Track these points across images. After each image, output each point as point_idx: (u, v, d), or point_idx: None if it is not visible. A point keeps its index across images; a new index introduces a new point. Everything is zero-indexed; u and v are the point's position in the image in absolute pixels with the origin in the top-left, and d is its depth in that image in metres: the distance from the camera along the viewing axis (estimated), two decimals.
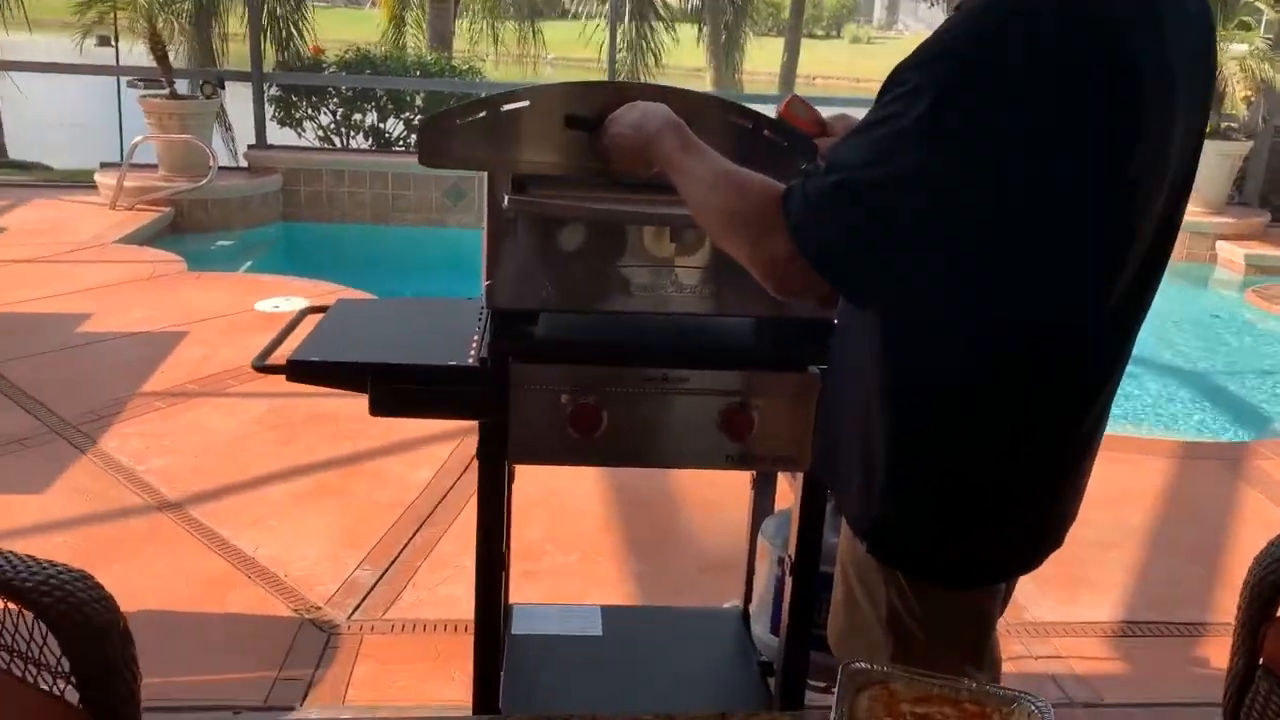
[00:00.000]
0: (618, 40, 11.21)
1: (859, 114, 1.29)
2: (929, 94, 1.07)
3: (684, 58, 14.29)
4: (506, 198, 1.62)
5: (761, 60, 16.77)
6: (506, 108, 1.55)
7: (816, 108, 1.66)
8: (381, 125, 9.19)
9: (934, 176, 1.08)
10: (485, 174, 1.64)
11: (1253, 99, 7.83)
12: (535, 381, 1.69)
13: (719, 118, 1.57)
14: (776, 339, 1.78)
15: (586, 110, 1.54)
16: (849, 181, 1.11)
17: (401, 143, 9.18)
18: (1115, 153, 1.10)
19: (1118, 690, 2.47)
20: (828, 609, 1.48)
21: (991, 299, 1.15)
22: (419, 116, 9.14)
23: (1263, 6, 8.13)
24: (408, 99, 9.16)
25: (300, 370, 1.70)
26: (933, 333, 1.20)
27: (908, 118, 1.08)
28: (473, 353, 1.75)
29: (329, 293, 5.38)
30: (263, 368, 1.73)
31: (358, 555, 2.82)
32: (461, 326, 1.91)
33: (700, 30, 14.58)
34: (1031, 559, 1.35)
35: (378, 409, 1.69)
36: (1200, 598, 2.88)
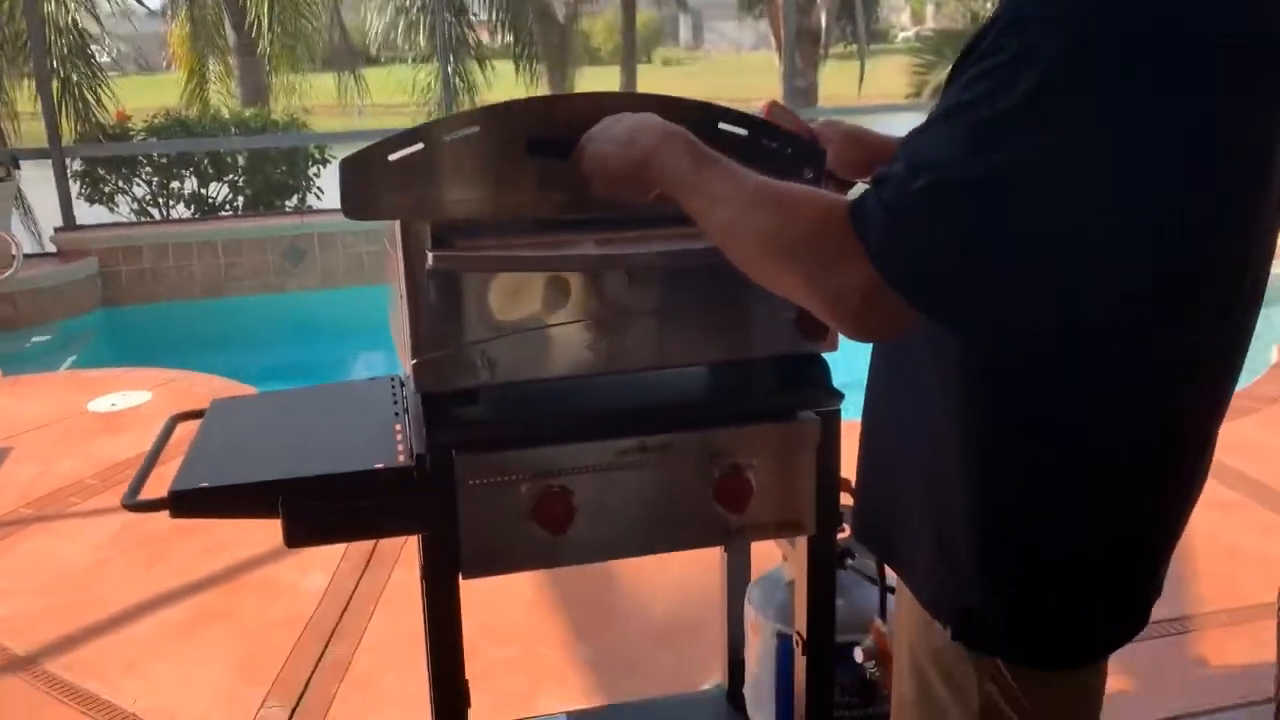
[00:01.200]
0: (429, 81, 10.90)
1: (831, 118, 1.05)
2: (1038, 65, 0.82)
3: (508, 93, 14.04)
4: (430, 255, 1.30)
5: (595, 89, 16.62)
6: (451, 136, 1.24)
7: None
8: (203, 191, 8.57)
9: (1051, 171, 0.84)
10: (396, 226, 1.32)
11: None
12: (486, 474, 1.37)
13: (703, 126, 1.30)
14: (762, 384, 1.53)
15: (553, 131, 1.25)
16: (944, 183, 0.86)
17: (228, 207, 8.58)
18: (1270, 145, 0.89)
19: (1163, 701, 2.31)
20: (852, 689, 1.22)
21: (1120, 326, 0.92)
22: (243, 177, 8.58)
23: None
24: (229, 160, 8.58)
25: (187, 502, 1.33)
26: (1044, 369, 0.95)
27: (1010, 96, 0.83)
28: (401, 448, 1.43)
29: (170, 380, 4.85)
30: (136, 505, 1.35)
31: (260, 690, 2.40)
32: (374, 416, 1.58)
33: (520, 66, 14.37)
34: (1142, 621, 1.13)
35: (296, 537, 1.34)
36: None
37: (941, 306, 0.90)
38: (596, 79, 18.27)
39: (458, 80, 11.81)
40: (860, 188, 1.16)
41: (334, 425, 1.62)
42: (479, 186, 1.29)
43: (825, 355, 1.52)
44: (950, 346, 1.00)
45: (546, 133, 1.25)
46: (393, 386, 1.70)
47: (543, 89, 12.45)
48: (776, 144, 1.34)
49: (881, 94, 12.06)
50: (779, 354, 1.50)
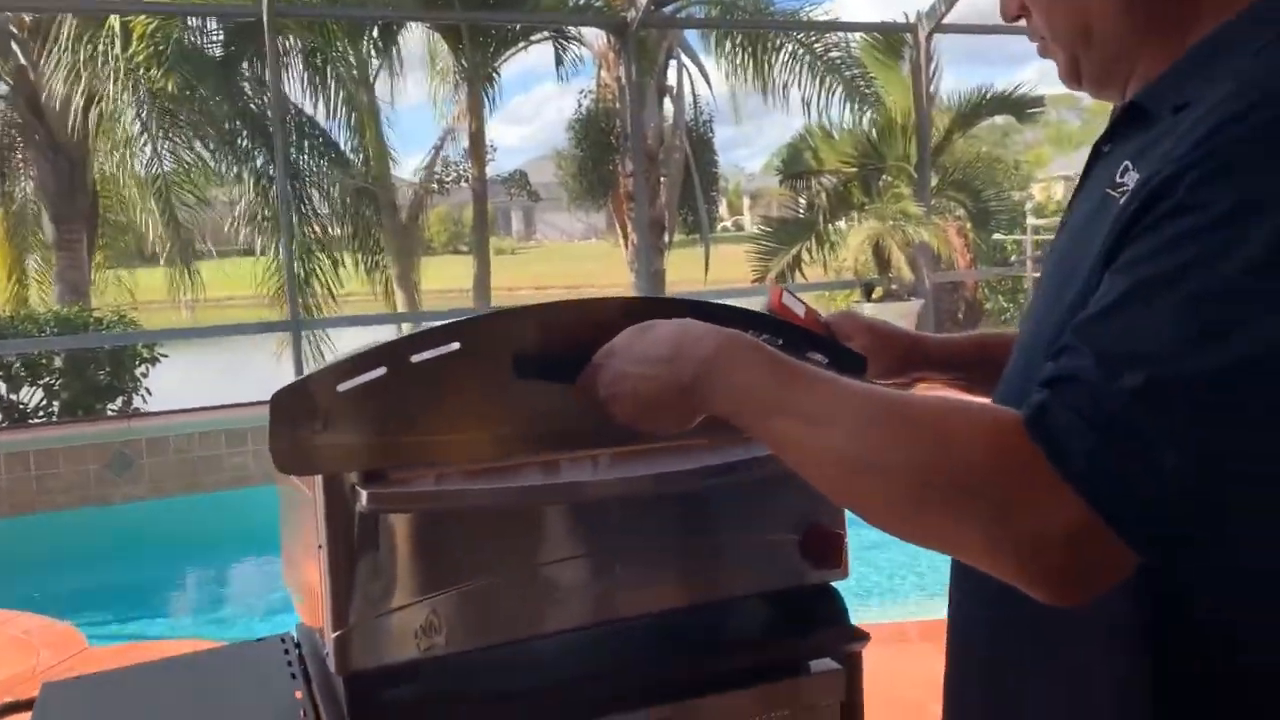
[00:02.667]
0: (269, 273, 10.52)
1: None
2: (1266, 218, 0.62)
3: (353, 285, 13.69)
4: (364, 494, 0.98)
5: (439, 279, 16.56)
6: (421, 356, 0.94)
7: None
8: (14, 396, 7.81)
9: None
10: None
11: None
12: None
13: None
14: (766, 629, 1.24)
15: (551, 346, 0.99)
16: (1166, 382, 0.64)
17: (42, 412, 7.82)
18: None
19: None
20: None
21: None
22: (59, 380, 7.88)
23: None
24: (43, 362, 7.88)
25: None
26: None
27: (1235, 260, 0.62)
28: None
29: None
30: None
31: None
32: (256, 695, 1.21)
33: (359, 258, 14.08)
34: None
35: None
36: None
37: (1173, 546, 0.65)
38: (439, 268, 18.22)
39: (301, 270, 11.46)
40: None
41: (204, 713, 1.22)
42: (457, 421, 0.99)
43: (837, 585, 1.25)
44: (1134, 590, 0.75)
45: (542, 349, 0.98)
46: (286, 651, 1.33)
47: (389, 280, 12.21)
48: (817, 355, 1.10)
49: (727, 279, 12.37)
50: (783, 588, 1.22)
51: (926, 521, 0.74)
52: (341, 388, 0.93)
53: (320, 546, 1.03)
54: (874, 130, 9.85)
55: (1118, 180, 0.83)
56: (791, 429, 0.80)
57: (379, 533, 1.03)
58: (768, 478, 1.11)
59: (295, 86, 10.61)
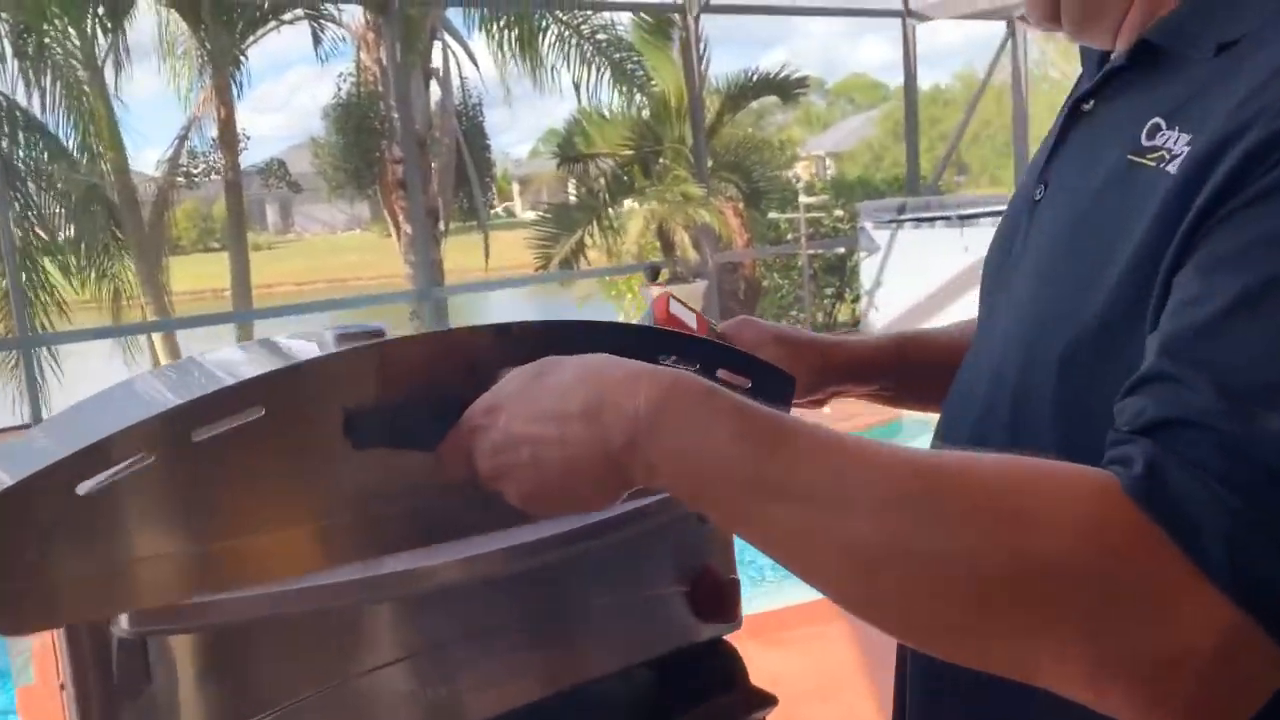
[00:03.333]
0: None
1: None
2: None
3: (78, 291, 12.35)
4: (123, 619, 0.66)
5: (190, 280, 15.27)
6: (206, 432, 0.62)
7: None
8: None
9: None
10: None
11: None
12: None
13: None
14: (654, 702, 1.00)
15: (398, 395, 0.69)
16: None
17: None
18: None
19: None
20: None
21: None
22: None
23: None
24: None
25: None
26: None
27: None
28: None
29: None
30: None
31: None
32: None
33: (92, 259, 12.74)
34: None
35: None
36: None
37: None
38: (190, 267, 16.87)
39: (26, 283, 10.21)
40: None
41: None
42: (266, 521, 0.68)
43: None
44: None
45: (387, 404, 0.69)
46: None
47: (128, 285, 11.09)
48: (732, 375, 0.85)
49: (507, 266, 12.05)
50: (669, 651, 0.98)
51: (991, 633, 0.52)
52: (83, 489, 0.60)
53: (62, 687, 0.71)
54: (649, 113, 9.78)
55: (1145, 143, 0.63)
56: (784, 515, 0.55)
57: (148, 662, 0.71)
58: (650, 530, 0.88)
59: (3, 70, 9.39)
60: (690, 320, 0.96)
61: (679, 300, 0.98)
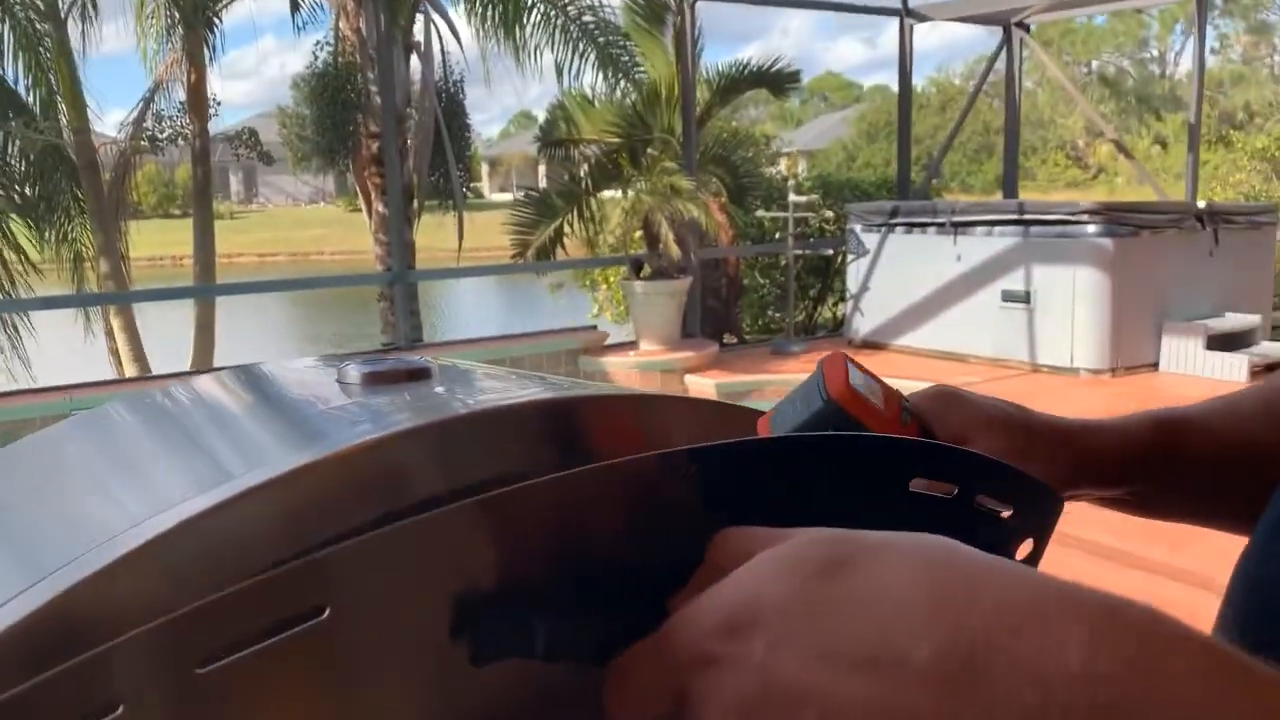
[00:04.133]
0: None
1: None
2: None
3: (40, 253, 11.86)
4: None
5: (149, 246, 14.71)
6: (218, 661, 0.33)
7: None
8: None
9: None
10: None
11: (679, 239, 8.14)
12: None
13: (861, 487, 0.48)
14: None
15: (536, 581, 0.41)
16: None
17: None
18: None
19: None
20: None
21: None
22: None
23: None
24: None
25: None
26: None
27: None
28: None
29: None
30: None
31: None
32: None
33: (45, 224, 12.15)
34: None
35: None
36: None
37: None
38: (150, 233, 16.29)
39: None
40: None
41: None
42: None
43: None
44: None
45: (524, 595, 0.40)
46: None
47: (87, 251, 10.60)
48: (990, 503, 0.56)
49: (475, 248, 11.68)
50: None
51: None
52: None
53: None
54: (639, 100, 9.47)
55: None
56: None
57: None
58: None
59: None
60: (873, 394, 0.68)
61: (856, 364, 0.69)
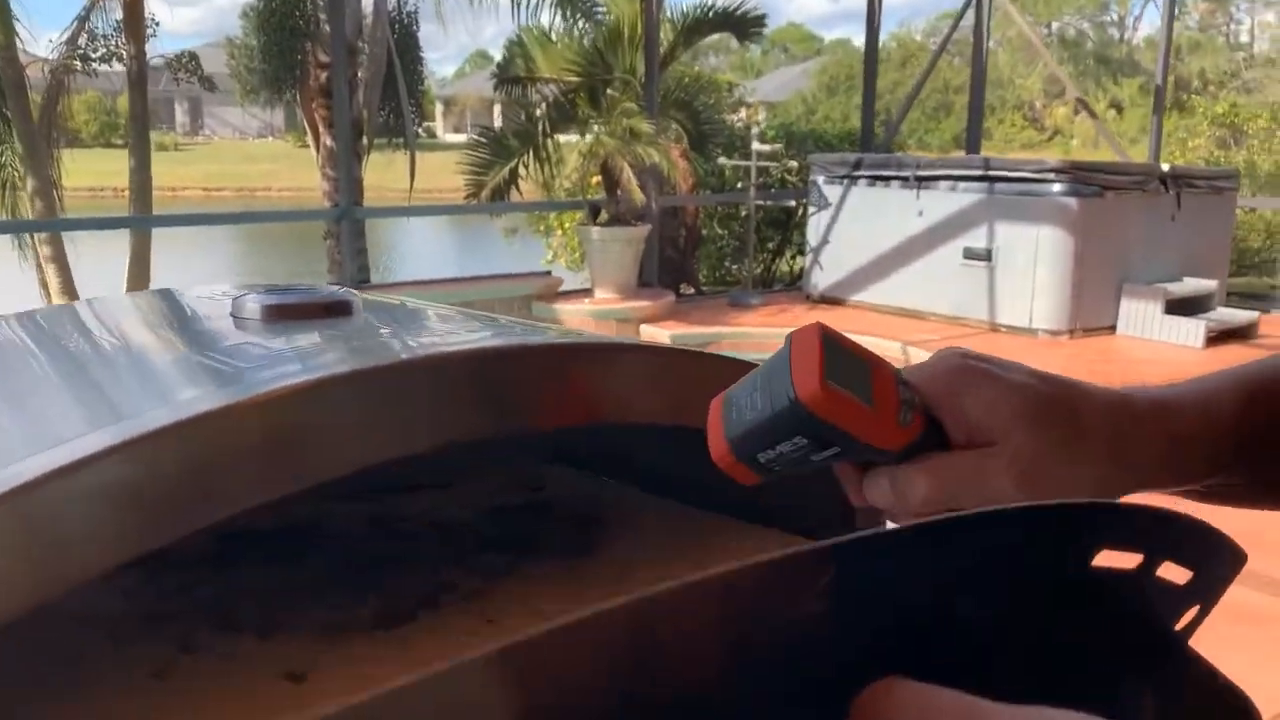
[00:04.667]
0: None
1: None
2: None
3: None
4: None
5: (87, 177, 14.09)
6: None
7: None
8: None
9: None
10: None
11: (640, 185, 7.90)
12: None
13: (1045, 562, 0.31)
14: None
15: None
16: None
17: None
18: None
19: None
20: None
21: None
22: None
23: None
24: None
25: None
26: None
27: None
28: None
29: None
30: None
31: None
32: None
33: None
34: None
35: None
36: None
37: None
38: (91, 162, 15.67)
39: None
40: None
41: None
42: None
43: None
44: None
45: None
46: None
47: (18, 174, 10.09)
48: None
49: (428, 190, 11.35)
50: None
51: None
52: None
53: None
54: (600, 38, 9.16)
55: None
56: None
57: None
58: None
59: None
60: (857, 384, 0.48)
61: (836, 341, 0.49)
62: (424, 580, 0.84)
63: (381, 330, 0.67)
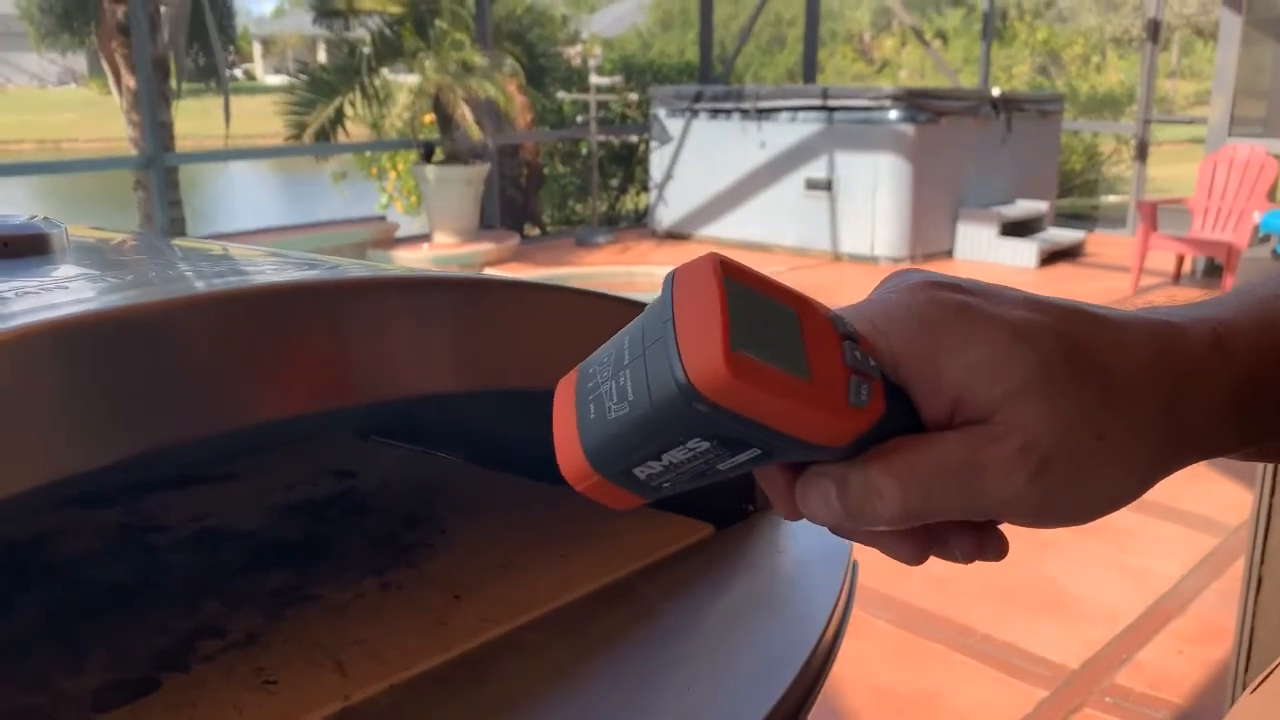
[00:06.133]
0: None
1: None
2: None
3: None
4: None
5: None
6: None
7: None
8: None
9: None
10: None
11: (474, 122, 7.54)
12: None
13: None
14: None
15: None
16: None
17: None
18: None
19: None
20: None
21: None
22: None
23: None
24: None
25: None
26: None
27: None
28: None
29: None
30: None
31: None
32: None
33: None
34: None
35: None
36: None
37: None
38: None
39: None
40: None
41: None
42: None
43: None
44: None
45: None
46: None
47: None
48: None
49: (249, 136, 10.64)
50: None
51: None
52: None
53: None
54: None
55: None
56: None
57: None
58: None
59: None
60: (783, 347, 0.29)
61: (740, 279, 0.30)
62: (175, 624, 0.62)
63: (81, 275, 0.44)
